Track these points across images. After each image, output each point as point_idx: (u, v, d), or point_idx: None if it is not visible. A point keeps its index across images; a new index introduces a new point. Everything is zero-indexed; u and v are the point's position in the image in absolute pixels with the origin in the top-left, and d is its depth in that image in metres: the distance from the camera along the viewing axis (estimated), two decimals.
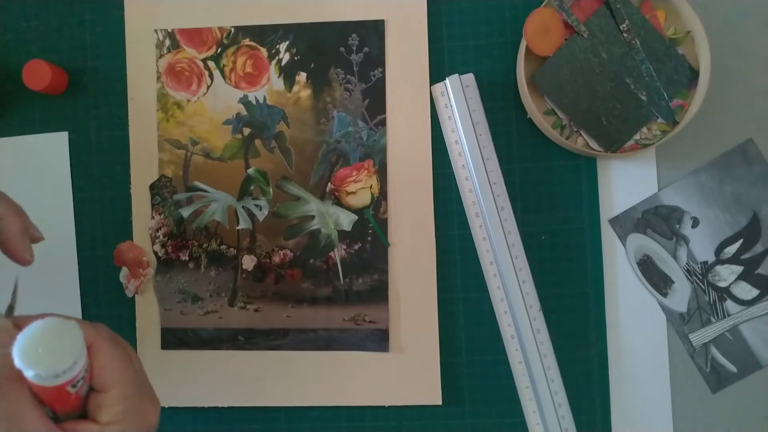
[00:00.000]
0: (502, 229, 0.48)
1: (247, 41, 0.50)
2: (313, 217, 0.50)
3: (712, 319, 0.48)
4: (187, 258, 0.50)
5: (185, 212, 0.50)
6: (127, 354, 0.33)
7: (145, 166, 0.51)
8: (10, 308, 0.35)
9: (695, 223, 0.48)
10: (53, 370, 0.27)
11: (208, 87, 0.50)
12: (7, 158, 0.52)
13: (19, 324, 0.30)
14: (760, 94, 0.49)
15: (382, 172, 0.49)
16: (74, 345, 0.28)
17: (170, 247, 0.50)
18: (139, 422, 0.33)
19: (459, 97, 0.48)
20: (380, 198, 0.49)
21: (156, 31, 0.51)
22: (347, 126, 0.49)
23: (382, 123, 0.49)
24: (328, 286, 0.49)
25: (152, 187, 0.51)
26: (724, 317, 0.48)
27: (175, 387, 0.50)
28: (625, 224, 0.49)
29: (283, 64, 0.50)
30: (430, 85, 0.49)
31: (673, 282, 0.48)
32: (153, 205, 0.51)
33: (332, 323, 0.49)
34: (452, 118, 0.48)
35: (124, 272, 0.51)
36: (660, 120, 0.47)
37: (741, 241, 0.48)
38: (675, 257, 0.48)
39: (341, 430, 0.50)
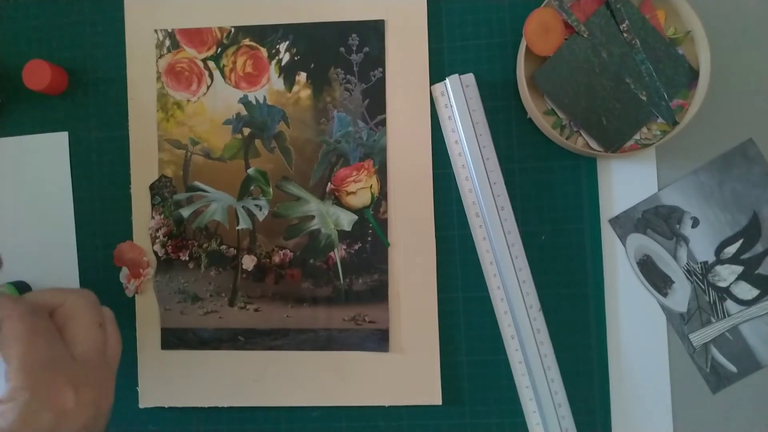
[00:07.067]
0: (502, 229, 0.48)
1: (247, 41, 0.50)
2: (313, 217, 0.50)
3: (712, 319, 0.48)
4: (187, 258, 0.50)
5: (185, 212, 0.50)
6: (36, 329, 0.32)
7: (145, 166, 0.51)
8: None
9: (695, 223, 0.48)
10: None
11: (208, 87, 0.50)
12: (7, 158, 0.52)
13: None
14: (760, 94, 0.49)
15: (382, 172, 0.49)
16: None
17: (170, 247, 0.50)
18: (42, 402, 0.31)
19: (459, 97, 0.48)
20: (380, 198, 0.49)
21: (156, 31, 0.51)
22: (347, 126, 0.49)
23: (382, 123, 0.49)
24: (328, 286, 0.49)
25: (152, 187, 0.51)
26: (724, 317, 0.48)
27: (175, 387, 0.50)
28: (625, 224, 0.49)
29: (283, 64, 0.50)
30: (430, 85, 0.49)
31: (673, 282, 0.48)
32: (153, 205, 0.51)
33: (332, 323, 0.49)
34: (452, 118, 0.48)
35: (124, 272, 0.51)
36: (660, 120, 0.47)
37: (741, 241, 0.48)
38: (675, 257, 0.48)
39: (341, 430, 0.50)
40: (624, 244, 0.49)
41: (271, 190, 0.50)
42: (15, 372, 0.30)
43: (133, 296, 0.51)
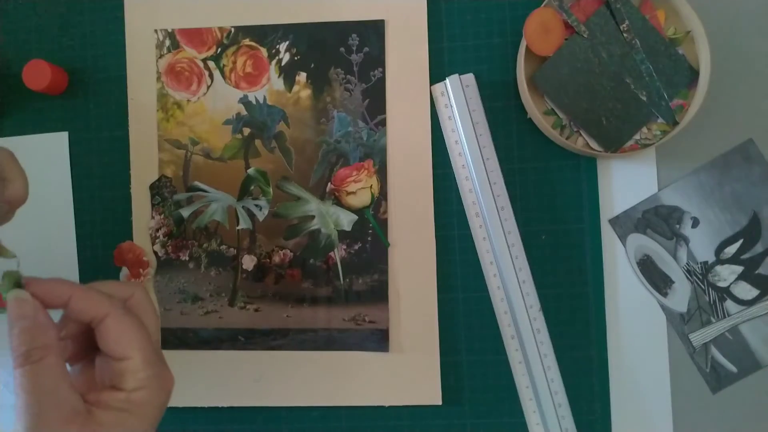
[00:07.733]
0: (502, 229, 0.48)
1: (247, 41, 0.50)
2: (313, 217, 0.50)
3: (712, 319, 0.48)
4: (187, 258, 0.50)
5: (185, 212, 0.50)
6: (141, 323, 0.35)
7: (145, 166, 0.51)
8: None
9: (695, 223, 0.48)
10: None
11: (208, 87, 0.50)
12: None
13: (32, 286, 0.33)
14: (760, 94, 0.49)
15: (382, 172, 0.49)
16: None
17: (170, 247, 0.50)
18: (162, 387, 0.35)
19: (459, 97, 0.48)
20: (380, 198, 0.49)
21: (156, 31, 0.51)
22: (347, 126, 0.49)
23: (382, 123, 0.49)
24: (328, 286, 0.49)
25: (152, 187, 0.51)
26: (724, 317, 0.48)
27: (175, 387, 0.50)
28: (625, 224, 0.49)
29: (283, 64, 0.50)
30: (430, 85, 0.49)
31: (673, 282, 0.48)
32: (153, 205, 0.51)
33: (332, 323, 0.49)
34: (452, 118, 0.48)
35: (124, 272, 0.51)
36: (660, 120, 0.47)
37: (741, 241, 0.48)
38: (675, 257, 0.48)
39: (341, 430, 0.50)
40: (624, 244, 0.49)
41: (271, 190, 0.50)
42: (142, 364, 0.33)
43: None
